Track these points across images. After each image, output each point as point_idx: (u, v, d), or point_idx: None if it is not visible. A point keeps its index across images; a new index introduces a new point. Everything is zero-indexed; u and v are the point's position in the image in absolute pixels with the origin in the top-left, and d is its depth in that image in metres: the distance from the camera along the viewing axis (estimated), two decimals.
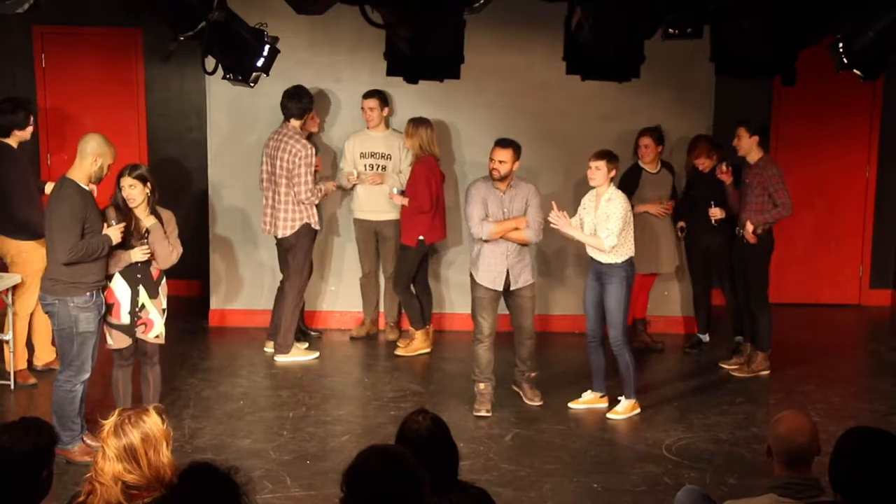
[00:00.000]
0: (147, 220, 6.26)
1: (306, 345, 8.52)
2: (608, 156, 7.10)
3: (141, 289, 6.34)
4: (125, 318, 6.34)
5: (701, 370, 8.38)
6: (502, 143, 7.09)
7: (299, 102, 8.11)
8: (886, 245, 10.37)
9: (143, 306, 6.37)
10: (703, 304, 8.82)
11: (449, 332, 9.04)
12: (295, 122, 8.12)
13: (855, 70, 5.23)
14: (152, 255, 6.28)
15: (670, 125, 8.82)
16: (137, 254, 6.24)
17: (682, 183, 8.70)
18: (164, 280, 6.45)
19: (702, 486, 5.50)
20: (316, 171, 8.17)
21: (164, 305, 6.47)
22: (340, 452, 6.40)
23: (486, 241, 7.09)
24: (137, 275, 6.32)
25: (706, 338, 8.87)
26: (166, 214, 6.43)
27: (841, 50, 5.18)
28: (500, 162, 7.02)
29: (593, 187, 7.15)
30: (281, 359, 8.25)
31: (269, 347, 8.45)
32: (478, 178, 7.29)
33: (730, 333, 8.74)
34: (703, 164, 8.41)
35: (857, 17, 4.99)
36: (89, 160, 6.17)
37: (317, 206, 8.18)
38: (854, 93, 9.66)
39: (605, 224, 7.04)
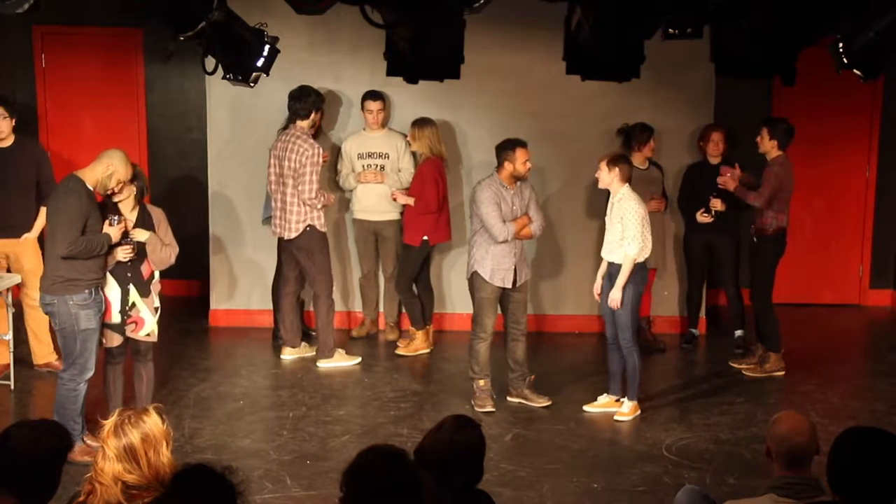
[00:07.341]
0: (141, 235, 6.26)
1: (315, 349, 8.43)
2: (608, 157, 7.17)
3: (131, 287, 6.32)
4: (116, 318, 6.33)
5: (701, 370, 8.39)
6: (525, 143, 7.16)
7: (304, 103, 8.05)
8: (886, 245, 10.36)
9: (133, 305, 6.35)
10: (695, 299, 8.90)
11: (449, 332, 9.04)
12: (302, 123, 8.07)
13: (855, 70, 5.23)
14: (136, 253, 6.25)
15: (670, 125, 8.83)
16: (120, 253, 6.22)
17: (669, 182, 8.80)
18: (155, 279, 6.43)
19: (702, 486, 5.51)
20: (323, 162, 8.13)
21: (157, 304, 6.45)
22: (340, 452, 6.40)
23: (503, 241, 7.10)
24: (127, 273, 6.30)
25: (697, 331, 8.95)
26: (157, 213, 6.42)
27: (841, 50, 5.18)
28: (530, 161, 7.17)
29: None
30: (324, 364, 8.16)
31: (285, 354, 8.34)
32: (483, 180, 7.22)
33: (732, 331, 8.76)
34: (712, 150, 8.44)
35: (857, 17, 5.00)
36: (103, 167, 6.10)
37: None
38: (854, 93, 9.65)
39: (617, 227, 7.05)
